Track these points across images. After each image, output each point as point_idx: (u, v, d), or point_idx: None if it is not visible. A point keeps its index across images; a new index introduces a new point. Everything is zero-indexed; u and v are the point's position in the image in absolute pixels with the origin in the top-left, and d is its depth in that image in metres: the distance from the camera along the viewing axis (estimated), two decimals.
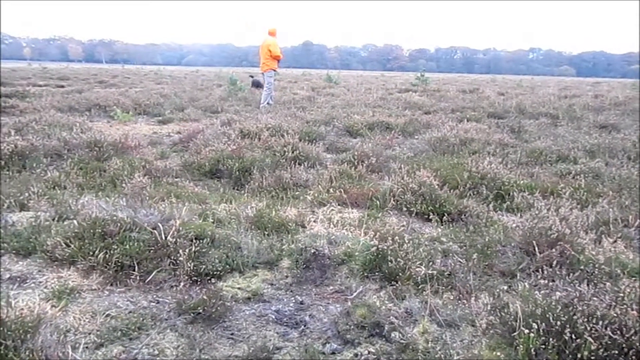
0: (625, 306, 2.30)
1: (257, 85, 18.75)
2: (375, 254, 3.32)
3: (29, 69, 43.66)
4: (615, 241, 3.65)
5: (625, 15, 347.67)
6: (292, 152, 6.17)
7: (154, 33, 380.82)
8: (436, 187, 4.66)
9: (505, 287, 2.98)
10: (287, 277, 3.28)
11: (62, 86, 21.62)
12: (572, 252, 3.26)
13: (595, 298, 2.39)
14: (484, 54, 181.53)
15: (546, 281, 2.73)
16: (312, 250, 3.39)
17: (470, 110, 13.12)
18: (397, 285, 3.11)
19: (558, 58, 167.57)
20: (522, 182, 5.25)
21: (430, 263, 3.31)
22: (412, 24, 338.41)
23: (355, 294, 3.04)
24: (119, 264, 3.22)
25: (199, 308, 2.76)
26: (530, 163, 6.50)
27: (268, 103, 13.78)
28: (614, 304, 2.32)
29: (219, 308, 2.78)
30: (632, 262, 3.41)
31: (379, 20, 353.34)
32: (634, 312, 2.24)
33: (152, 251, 3.31)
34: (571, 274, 2.87)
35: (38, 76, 28.90)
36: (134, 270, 3.20)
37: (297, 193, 5.08)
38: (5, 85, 18.80)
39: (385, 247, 3.30)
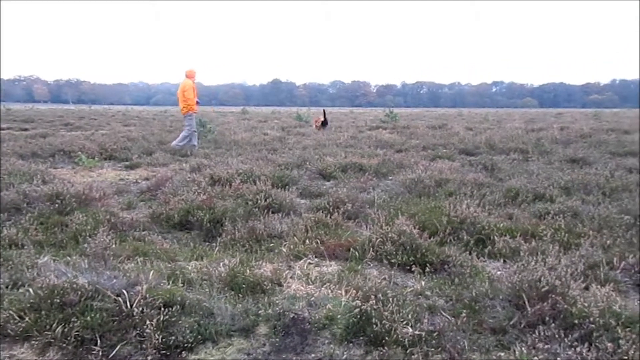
0: None
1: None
2: (358, 315, 3.11)
3: None
4: (604, 287, 3.51)
5: (582, 47, 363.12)
6: (265, 200, 5.95)
7: (122, 73, 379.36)
8: (416, 235, 4.49)
9: (502, 354, 2.78)
10: (264, 345, 3.03)
11: (26, 129, 21.13)
12: (565, 305, 3.11)
13: None
14: (449, 88, 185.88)
15: (543, 344, 2.55)
16: (291, 315, 3.16)
17: (441, 147, 13.17)
18: (384, 350, 2.89)
19: (520, 90, 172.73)
20: (502, 225, 5.12)
21: (417, 323, 3.11)
22: (379, 60, 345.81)
23: None
24: (79, 338, 2.93)
25: None
26: (508, 204, 6.41)
27: (193, 145, 13.25)
28: None
29: None
30: (625, 310, 3.27)
31: (346, 56, 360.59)
32: None
33: (116, 322, 3.03)
34: (570, 335, 2.70)
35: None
36: (95, 345, 2.91)
37: (271, 245, 4.85)
38: None
39: (369, 308, 3.10)
